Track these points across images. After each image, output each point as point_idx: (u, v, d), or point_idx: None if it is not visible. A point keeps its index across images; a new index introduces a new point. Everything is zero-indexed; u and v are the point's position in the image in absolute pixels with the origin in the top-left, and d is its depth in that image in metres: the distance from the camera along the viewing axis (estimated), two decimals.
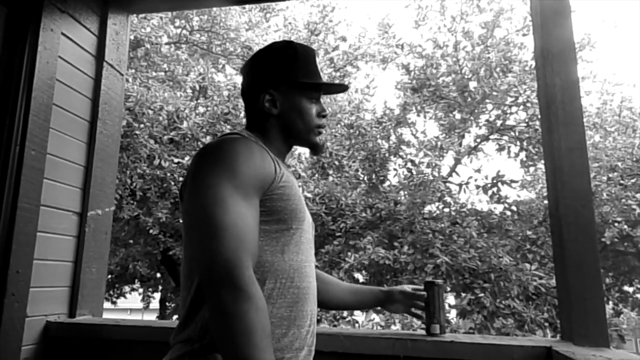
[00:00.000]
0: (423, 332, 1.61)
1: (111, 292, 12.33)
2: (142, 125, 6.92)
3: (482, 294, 5.72)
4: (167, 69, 8.50)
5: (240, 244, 0.89)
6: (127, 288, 12.99)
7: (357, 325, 6.55)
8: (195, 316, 0.96)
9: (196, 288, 0.96)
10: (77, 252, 2.00)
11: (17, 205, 1.68)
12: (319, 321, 7.39)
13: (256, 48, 8.55)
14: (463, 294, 6.07)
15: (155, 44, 8.11)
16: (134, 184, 6.89)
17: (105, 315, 2.13)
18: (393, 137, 7.92)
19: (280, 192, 1.02)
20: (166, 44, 8.50)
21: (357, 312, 7.59)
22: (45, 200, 1.83)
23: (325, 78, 9.02)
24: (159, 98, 7.09)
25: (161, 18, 8.23)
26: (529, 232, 6.49)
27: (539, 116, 6.88)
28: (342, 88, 1.34)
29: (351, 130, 8.00)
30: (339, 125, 8.50)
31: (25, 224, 1.72)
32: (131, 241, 8.45)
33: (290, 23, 9.33)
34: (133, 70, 8.07)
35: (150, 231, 7.02)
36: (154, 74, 8.34)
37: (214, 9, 8.24)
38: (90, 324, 1.88)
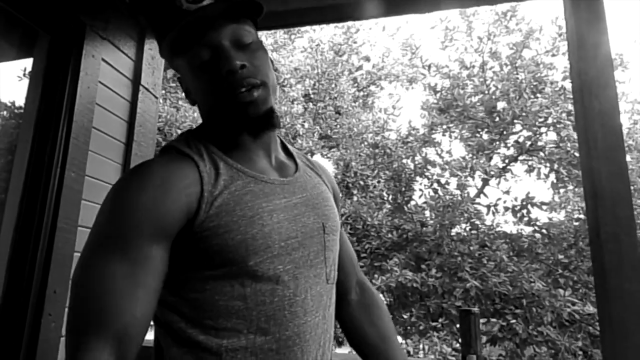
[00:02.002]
0: None
1: None
2: None
3: (513, 320, 5.55)
4: None
5: (86, 322, 0.66)
6: None
7: None
8: None
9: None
10: None
11: (56, 226, 1.71)
12: (340, 343, 7.27)
13: (282, 69, 8.69)
14: (493, 320, 5.90)
15: None
16: None
17: None
18: (418, 157, 7.87)
19: (213, 226, 0.72)
20: None
21: None
22: (83, 221, 1.86)
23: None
24: (188, 118, 7.25)
25: None
26: (560, 256, 6.30)
27: (576, 138, 6.75)
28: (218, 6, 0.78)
29: (376, 150, 7.99)
30: (363, 145, 8.50)
31: (64, 245, 1.75)
32: None
33: (317, 45, 9.47)
34: (163, 92, 8.28)
35: None
36: (183, 94, 8.54)
37: None
38: None
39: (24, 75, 2.10)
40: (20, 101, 1.94)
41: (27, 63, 2.00)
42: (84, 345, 0.65)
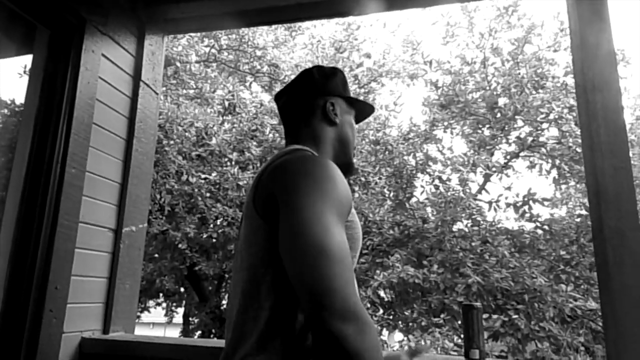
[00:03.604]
0: (462, 356, 1.56)
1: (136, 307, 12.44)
2: (171, 142, 7.06)
3: (515, 316, 5.54)
4: (195, 86, 8.67)
5: (350, 274, 0.86)
6: (151, 302, 13.11)
7: (385, 346, 6.42)
8: (275, 339, 0.93)
9: (275, 308, 0.94)
10: (111, 268, 2.02)
11: (57, 222, 1.71)
12: None
13: (282, 66, 8.66)
14: (495, 316, 5.89)
15: (185, 62, 8.30)
16: (163, 199, 7.00)
17: None
18: (420, 154, 7.84)
19: (352, 220, 1.01)
20: (196, 62, 8.69)
21: (384, 332, 7.46)
22: (84, 217, 1.86)
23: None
24: (189, 115, 7.23)
25: (191, 37, 8.44)
26: (562, 252, 6.28)
27: (577, 134, 6.71)
28: (373, 110, 1.35)
29: (377, 147, 7.97)
30: (364, 142, 8.48)
31: (65, 241, 1.75)
32: (157, 255, 8.55)
33: (318, 41, 9.44)
34: (164, 88, 8.27)
35: (179, 245, 7.09)
36: (184, 91, 8.53)
37: (242, 28, 8.41)
38: (124, 341, 1.89)
39: (25, 72, 2.09)
40: (21, 98, 1.94)
41: (27, 60, 1.99)
42: (356, 294, 0.86)
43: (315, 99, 1.18)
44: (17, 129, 1.92)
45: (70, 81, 1.84)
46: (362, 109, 1.29)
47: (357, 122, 1.31)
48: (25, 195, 1.75)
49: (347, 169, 1.20)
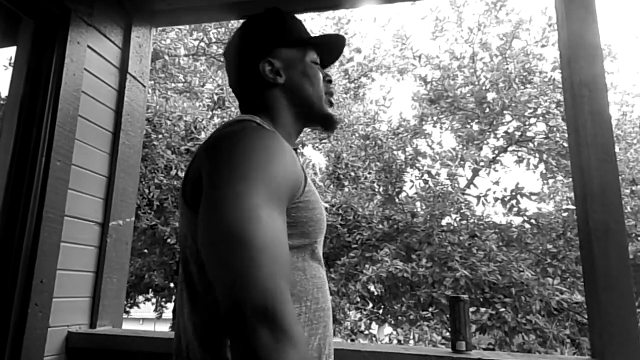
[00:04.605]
0: (449, 348, 1.57)
1: (125, 302, 12.39)
2: (160, 136, 7.00)
3: (502, 309, 5.60)
4: (184, 80, 8.60)
5: (279, 268, 0.70)
6: (141, 298, 13.05)
7: (374, 339, 6.46)
8: (213, 348, 0.80)
9: (213, 310, 0.80)
10: (98, 262, 2.00)
11: (42, 215, 1.69)
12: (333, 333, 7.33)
13: None
14: (482, 309, 5.96)
15: (174, 55, 8.23)
16: (152, 194, 6.96)
17: None
18: (409, 149, 7.88)
19: (307, 200, 0.84)
20: (184, 55, 8.62)
21: (373, 326, 7.51)
22: (69, 210, 1.84)
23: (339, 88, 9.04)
24: (178, 109, 7.17)
25: (180, 30, 8.36)
26: (549, 246, 6.36)
27: (565, 129, 6.78)
28: (341, 39, 1.11)
29: (367, 142, 7.98)
30: (354, 136, 8.49)
31: (50, 234, 1.73)
32: (146, 250, 8.51)
33: None
34: (152, 82, 8.19)
35: (168, 240, 7.06)
36: (173, 85, 8.45)
37: (232, 21, 8.34)
38: (111, 335, 1.88)
39: (10, 64, 2.05)
40: (5, 91, 1.90)
41: (12, 51, 1.96)
42: (283, 293, 0.68)
43: (249, 64, 1.00)
44: (1, 121, 1.88)
45: (55, 73, 1.81)
46: (326, 43, 1.08)
47: (328, 59, 1.12)
48: (10, 188, 1.72)
49: (322, 122, 1.04)
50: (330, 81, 1.07)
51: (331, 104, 1.05)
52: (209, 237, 0.73)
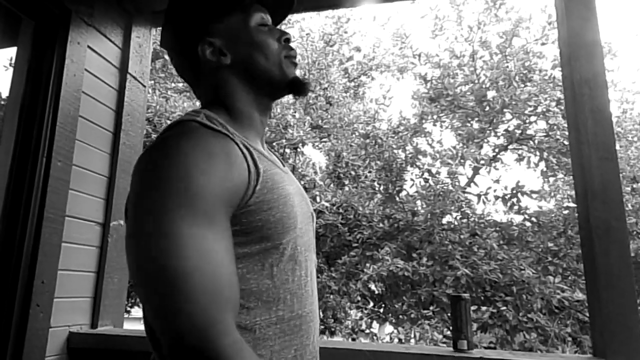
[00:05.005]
0: (450, 347, 1.57)
1: (126, 302, 12.39)
2: None
3: (504, 307, 5.60)
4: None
5: (213, 297, 0.62)
6: None
7: (375, 338, 6.46)
8: None
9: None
10: (99, 263, 2.00)
11: (43, 215, 1.69)
12: (332, 333, 7.34)
13: None
14: (483, 308, 5.96)
15: None
16: None
17: None
18: (409, 147, 7.87)
19: (259, 202, 0.73)
20: None
21: (374, 325, 7.52)
22: (70, 210, 1.84)
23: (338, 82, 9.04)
24: (178, 108, 7.18)
25: None
26: (550, 244, 6.36)
27: (565, 126, 6.77)
28: None
29: (367, 140, 7.98)
30: (354, 135, 8.49)
31: (51, 235, 1.73)
32: None
33: (308, 34, 9.40)
34: (152, 82, 8.19)
35: None
36: (173, 84, 8.46)
37: None
38: (112, 335, 1.88)
39: (10, 64, 2.05)
40: (6, 91, 1.90)
41: (12, 52, 1.96)
42: (218, 325, 0.61)
43: (186, 50, 0.87)
44: (2, 122, 1.89)
45: (55, 73, 1.82)
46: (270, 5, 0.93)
47: (281, 11, 0.97)
48: (11, 189, 1.73)
49: (289, 90, 0.90)
50: (288, 39, 0.90)
51: (294, 65, 0.89)
52: (135, 277, 0.66)
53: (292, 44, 0.91)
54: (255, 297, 0.73)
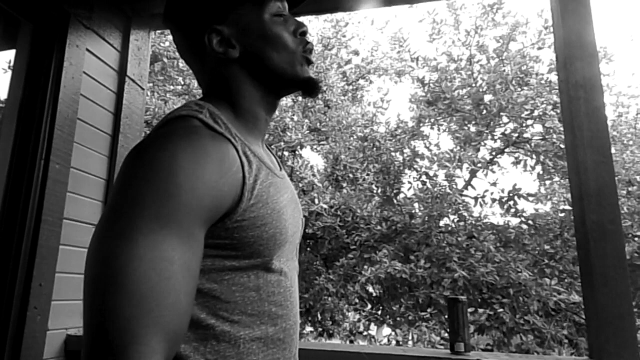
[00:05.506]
0: (447, 350, 1.58)
1: None
2: None
3: (500, 310, 5.62)
4: (183, 82, 8.61)
5: (142, 312, 0.54)
6: None
7: (373, 340, 6.46)
8: None
9: None
10: None
11: (41, 218, 1.69)
12: (331, 335, 7.33)
13: None
14: (480, 310, 5.97)
15: (173, 58, 8.23)
16: None
17: None
18: (407, 150, 7.89)
19: (253, 217, 0.69)
20: None
21: (372, 327, 7.52)
22: (68, 213, 1.84)
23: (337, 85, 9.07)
24: None
25: None
26: (546, 247, 6.38)
27: (561, 130, 6.80)
28: None
29: (365, 143, 7.99)
30: (352, 138, 8.50)
31: (49, 237, 1.73)
32: None
33: None
34: (151, 84, 8.19)
35: None
36: (171, 87, 8.46)
37: None
38: None
39: (9, 67, 2.05)
40: (4, 94, 1.91)
41: (11, 55, 1.97)
42: (134, 345, 0.53)
43: (192, 37, 0.80)
44: (0, 124, 1.89)
45: (54, 76, 1.82)
46: None
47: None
48: (9, 191, 1.73)
49: (300, 89, 0.83)
50: (304, 33, 0.82)
51: (309, 62, 0.82)
52: (86, 265, 0.59)
53: (308, 38, 0.84)
54: (240, 310, 0.69)
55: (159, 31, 8.04)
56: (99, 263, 0.56)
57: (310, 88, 0.82)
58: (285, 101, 8.14)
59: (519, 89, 7.30)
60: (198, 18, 0.79)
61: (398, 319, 6.62)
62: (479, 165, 7.26)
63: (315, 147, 8.80)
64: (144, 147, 0.65)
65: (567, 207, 6.75)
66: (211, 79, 0.81)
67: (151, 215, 0.57)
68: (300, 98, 8.76)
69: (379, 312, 7.11)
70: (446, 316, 5.99)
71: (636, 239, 6.58)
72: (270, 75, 0.79)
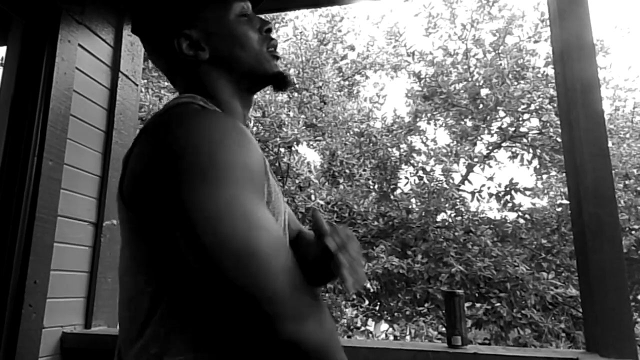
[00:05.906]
0: (444, 343, 1.58)
1: None
2: None
3: (498, 304, 5.64)
4: None
5: (292, 262, 0.66)
6: None
7: (370, 336, 6.47)
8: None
9: (163, 325, 0.69)
10: (92, 263, 1.99)
11: (35, 215, 1.68)
12: None
13: None
14: (478, 304, 5.99)
15: None
16: None
17: None
18: (404, 145, 7.89)
19: (269, 192, 0.75)
20: None
21: (369, 322, 7.53)
22: (62, 210, 1.83)
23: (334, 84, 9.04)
24: None
25: None
26: (543, 241, 6.40)
27: (558, 124, 6.81)
28: None
29: (361, 139, 7.98)
30: (348, 134, 8.49)
31: (43, 235, 1.71)
32: None
33: (301, 33, 9.38)
34: (145, 81, 8.15)
35: None
36: (166, 84, 8.41)
37: None
38: (106, 335, 1.87)
39: (0, 63, 2.04)
40: None
41: (2, 51, 1.95)
42: (300, 282, 0.64)
43: (162, 43, 0.83)
44: None
45: (45, 72, 1.80)
46: None
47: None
48: (1, 189, 1.71)
49: (270, 84, 0.87)
50: (269, 30, 0.86)
51: (276, 58, 0.86)
52: (217, 263, 0.61)
53: (273, 35, 0.89)
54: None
55: None
56: (243, 252, 0.60)
57: (280, 82, 0.86)
58: (281, 97, 8.11)
59: (516, 83, 7.30)
60: (166, 24, 0.82)
61: (395, 314, 6.64)
62: (476, 159, 7.26)
63: (311, 143, 8.79)
64: (180, 128, 0.67)
65: (564, 201, 6.77)
66: (186, 80, 0.84)
67: (252, 189, 0.66)
68: (296, 94, 8.74)
69: (377, 308, 7.13)
70: (443, 311, 6.01)
71: (633, 232, 6.60)
72: (240, 73, 0.83)
